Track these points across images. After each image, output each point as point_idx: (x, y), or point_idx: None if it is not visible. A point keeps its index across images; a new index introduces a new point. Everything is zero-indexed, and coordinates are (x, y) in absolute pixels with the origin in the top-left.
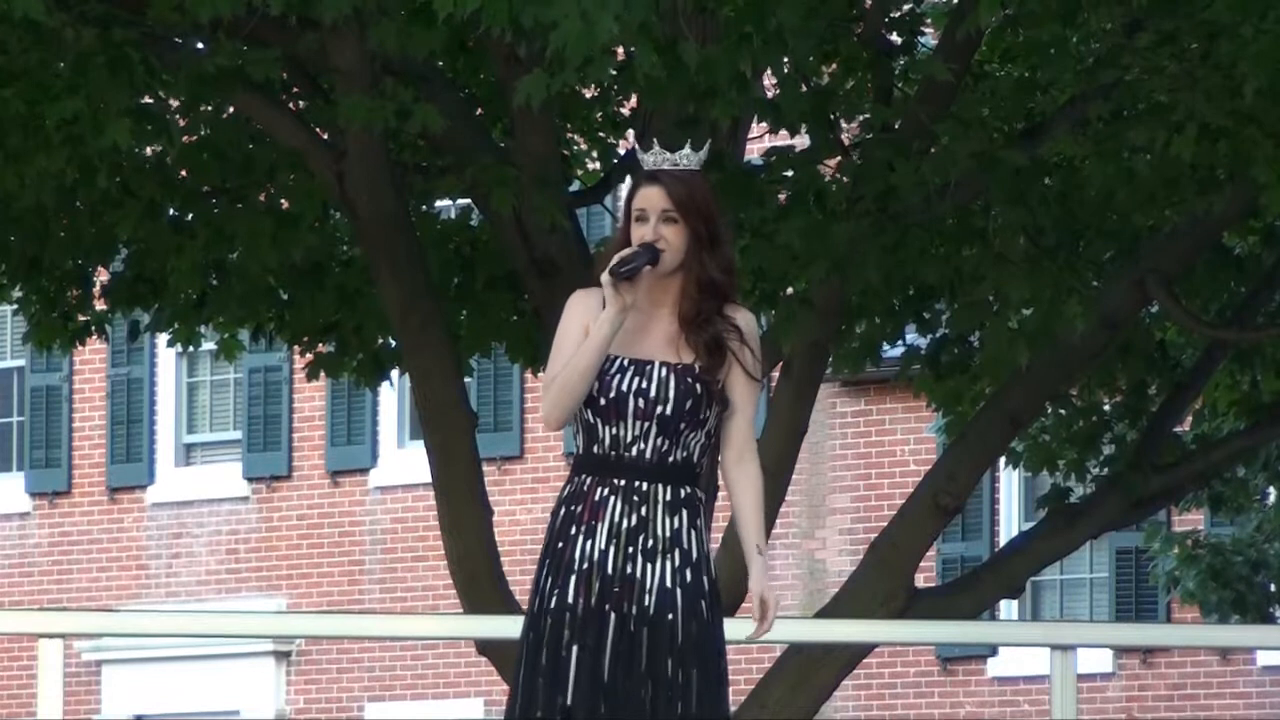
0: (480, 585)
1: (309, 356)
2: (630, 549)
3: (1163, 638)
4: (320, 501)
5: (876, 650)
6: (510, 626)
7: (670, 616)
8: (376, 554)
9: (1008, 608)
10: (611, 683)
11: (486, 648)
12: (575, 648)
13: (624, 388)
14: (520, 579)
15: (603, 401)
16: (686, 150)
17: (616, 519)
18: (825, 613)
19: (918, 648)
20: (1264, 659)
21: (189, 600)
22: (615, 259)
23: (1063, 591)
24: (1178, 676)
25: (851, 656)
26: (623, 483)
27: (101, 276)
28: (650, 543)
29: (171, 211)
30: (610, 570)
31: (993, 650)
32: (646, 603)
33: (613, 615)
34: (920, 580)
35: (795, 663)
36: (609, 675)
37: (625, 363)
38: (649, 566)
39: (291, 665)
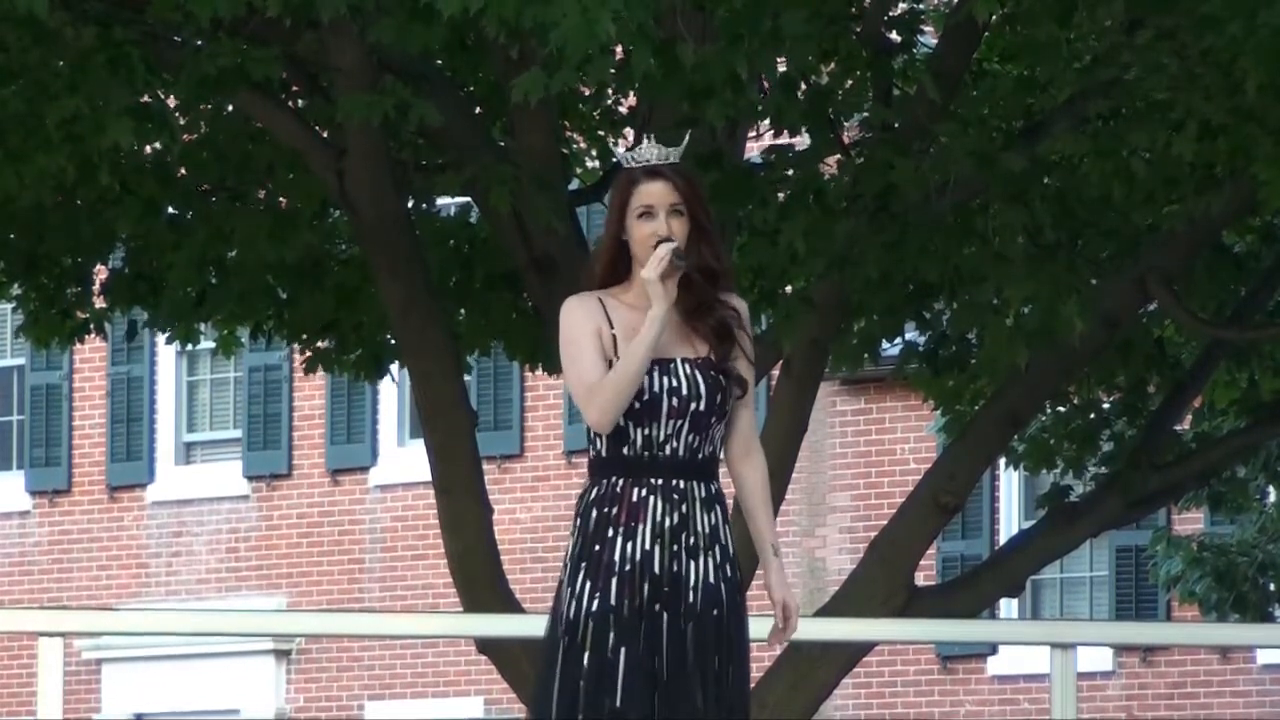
0: (480, 584)
1: (308, 353)
2: (675, 547)
3: (1163, 636)
4: (320, 500)
5: (876, 649)
6: (510, 625)
7: (716, 612)
8: (376, 552)
9: (1008, 606)
10: (665, 683)
11: (486, 646)
12: (623, 650)
13: (656, 388)
14: (520, 578)
15: (637, 404)
16: (667, 149)
17: (659, 518)
18: (825, 611)
19: (918, 646)
20: (1264, 657)
21: (189, 599)
22: (661, 256)
23: (1063, 590)
24: (1178, 675)
25: (851, 655)
26: (660, 481)
27: (101, 274)
28: (693, 540)
29: (170, 209)
30: (658, 570)
31: (993, 649)
32: (692, 599)
33: (665, 615)
34: (920, 579)
35: (795, 661)
36: (666, 675)
37: (650, 363)
38: (693, 563)
39: (292, 664)
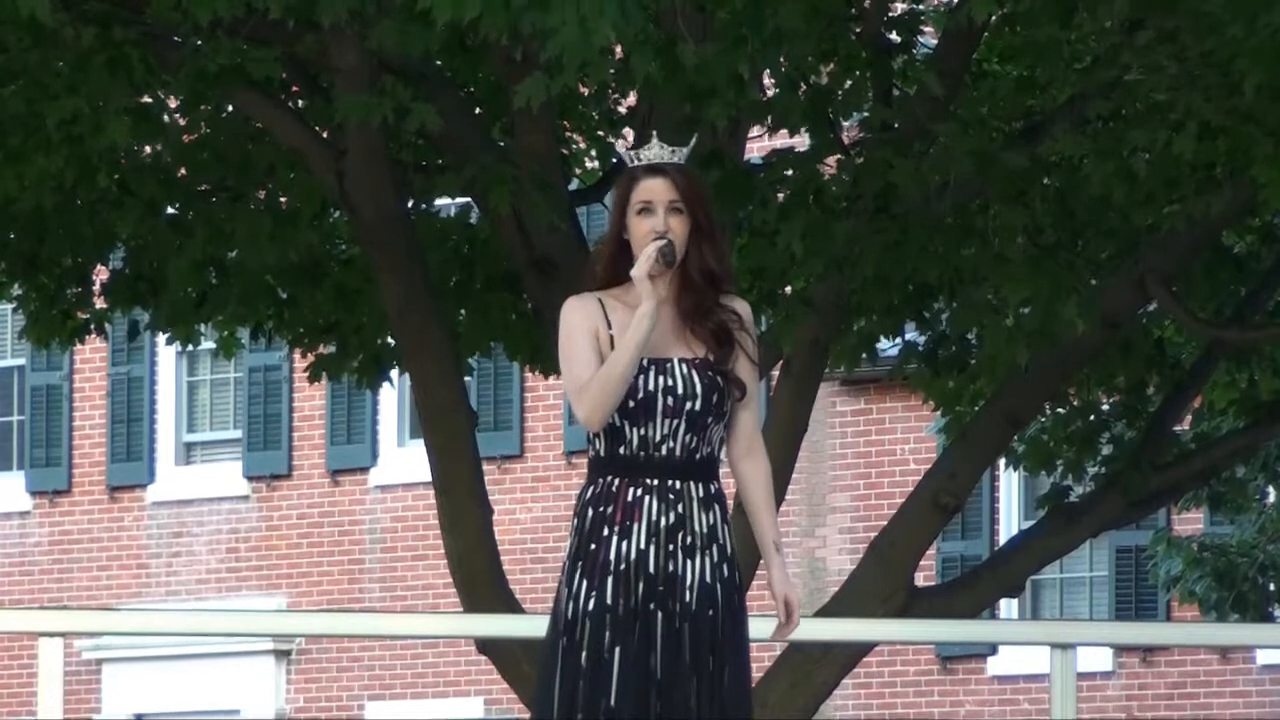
0: (480, 584)
1: (310, 357)
2: (670, 546)
3: (1163, 636)
4: (320, 500)
5: (876, 649)
6: (510, 625)
7: (711, 612)
8: (376, 553)
9: (1008, 606)
10: (662, 681)
11: (486, 646)
12: (618, 649)
13: (650, 387)
14: (520, 578)
15: (631, 404)
16: (673, 149)
17: (654, 518)
18: (825, 611)
19: (918, 646)
20: (1263, 658)
21: (189, 599)
22: (649, 254)
23: (1063, 590)
24: (1177, 675)
25: (851, 655)
26: (655, 482)
27: (101, 275)
28: (689, 539)
29: (170, 210)
30: (653, 569)
31: (993, 649)
32: (688, 599)
33: (659, 614)
34: (920, 579)
35: (795, 661)
36: (660, 674)
37: (645, 362)
38: (689, 563)
39: (292, 664)
